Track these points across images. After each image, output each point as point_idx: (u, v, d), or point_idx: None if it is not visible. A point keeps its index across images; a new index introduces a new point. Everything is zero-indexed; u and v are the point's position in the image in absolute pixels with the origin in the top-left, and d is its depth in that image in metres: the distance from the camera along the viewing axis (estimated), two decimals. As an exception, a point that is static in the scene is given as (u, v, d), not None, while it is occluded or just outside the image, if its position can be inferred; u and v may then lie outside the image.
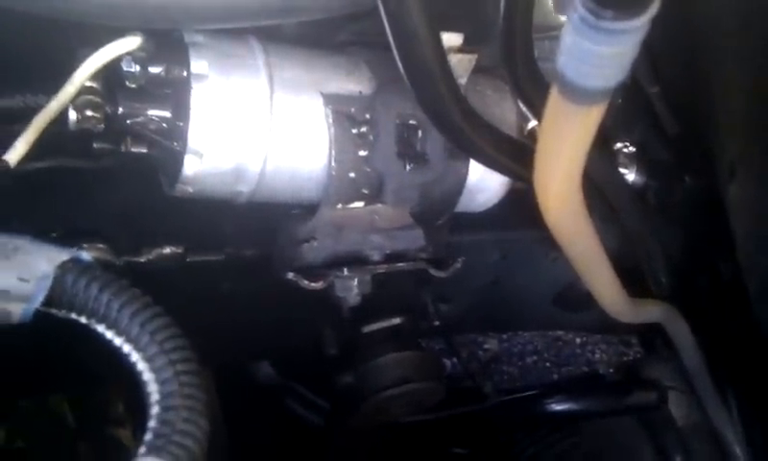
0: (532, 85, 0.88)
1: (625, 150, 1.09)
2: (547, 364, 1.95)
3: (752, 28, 0.82)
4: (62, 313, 0.70)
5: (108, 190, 1.00)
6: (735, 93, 0.87)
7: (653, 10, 0.45)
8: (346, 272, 0.94)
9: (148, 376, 0.64)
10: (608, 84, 0.51)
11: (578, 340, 1.94)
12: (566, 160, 0.60)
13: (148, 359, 0.64)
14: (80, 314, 0.68)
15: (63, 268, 0.70)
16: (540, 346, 1.96)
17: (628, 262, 1.08)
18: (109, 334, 0.67)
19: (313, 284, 0.93)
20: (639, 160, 1.09)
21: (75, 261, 0.70)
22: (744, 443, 1.18)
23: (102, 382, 1.14)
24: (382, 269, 0.96)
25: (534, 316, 1.43)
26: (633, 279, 1.06)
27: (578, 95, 0.53)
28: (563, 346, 1.96)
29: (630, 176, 1.09)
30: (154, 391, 0.63)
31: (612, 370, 1.89)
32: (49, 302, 0.69)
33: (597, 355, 1.95)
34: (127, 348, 0.66)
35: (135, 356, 0.66)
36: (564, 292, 1.32)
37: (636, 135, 1.11)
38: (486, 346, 1.94)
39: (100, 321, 0.67)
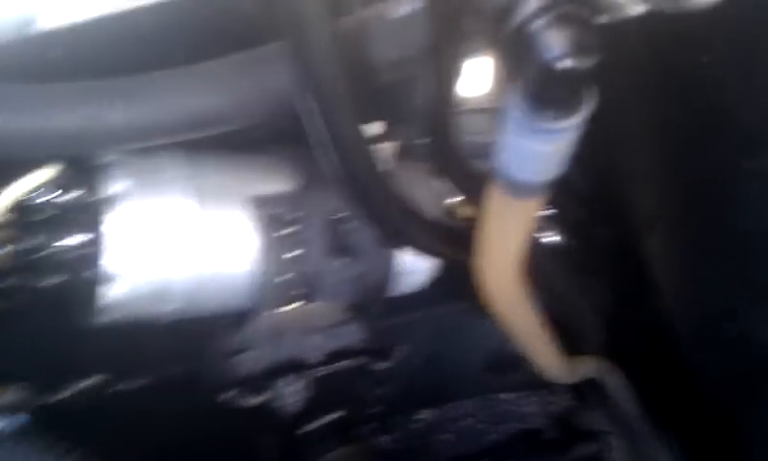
0: (456, 165, 0.89)
1: (542, 213, 1.13)
2: (482, 425, 1.95)
3: (657, 85, 0.87)
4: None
5: (24, 327, 0.93)
6: (647, 150, 0.91)
7: (589, 106, 0.47)
8: (285, 380, 0.91)
9: None
10: (547, 178, 0.52)
11: (508, 396, 1.95)
12: (510, 251, 0.61)
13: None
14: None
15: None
16: (471, 407, 1.96)
17: (560, 317, 1.10)
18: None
19: (253, 400, 0.90)
20: (557, 222, 1.13)
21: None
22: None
23: None
24: (323, 371, 0.93)
25: (469, 385, 1.43)
26: (566, 333, 1.09)
27: (519, 190, 0.54)
28: (494, 404, 1.97)
29: (550, 236, 1.12)
30: None
31: (545, 420, 1.91)
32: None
33: (529, 408, 1.96)
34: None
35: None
36: (495, 356, 1.33)
37: (549, 197, 1.15)
38: (419, 416, 1.92)
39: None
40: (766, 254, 0.71)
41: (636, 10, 0.49)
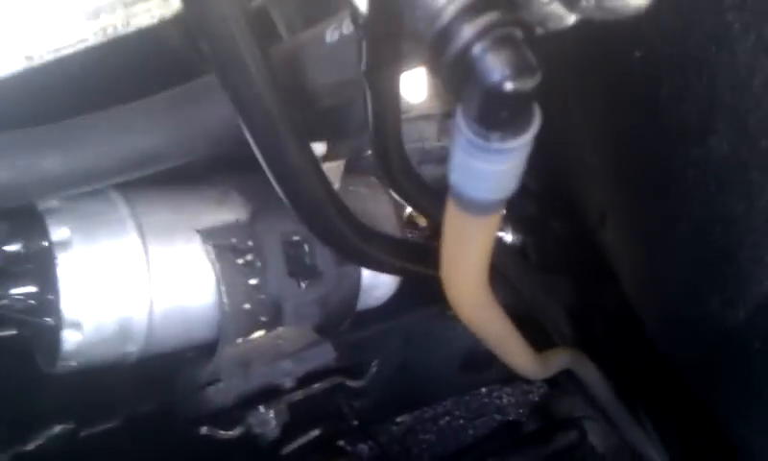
0: (405, 178, 0.89)
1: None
2: (461, 421, 1.96)
3: (596, 82, 0.88)
4: None
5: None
6: (593, 146, 0.92)
7: (537, 123, 0.47)
8: (261, 409, 0.90)
9: None
10: (502, 196, 0.52)
11: (483, 390, 1.97)
12: (473, 265, 0.61)
13: None
14: None
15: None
16: (449, 405, 1.97)
17: (527, 314, 1.11)
18: None
19: (229, 433, 0.88)
20: (512, 220, 1.13)
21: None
22: (665, 454, 1.23)
23: None
24: (298, 396, 0.92)
25: (445, 386, 1.43)
26: (535, 329, 1.10)
27: (474, 208, 0.54)
28: (470, 399, 1.98)
29: (507, 237, 1.13)
30: None
31: (521, 410, 1.93)
32: None
33: (505, 400, 1.98)
34: None
35: None
36: (469, 356, 1.33)
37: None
38: (398, 419, 1.92)
39: None
40: (719, 239, 0.72)
41: (569, 21, 0.49)
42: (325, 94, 0.71)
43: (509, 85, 0.43)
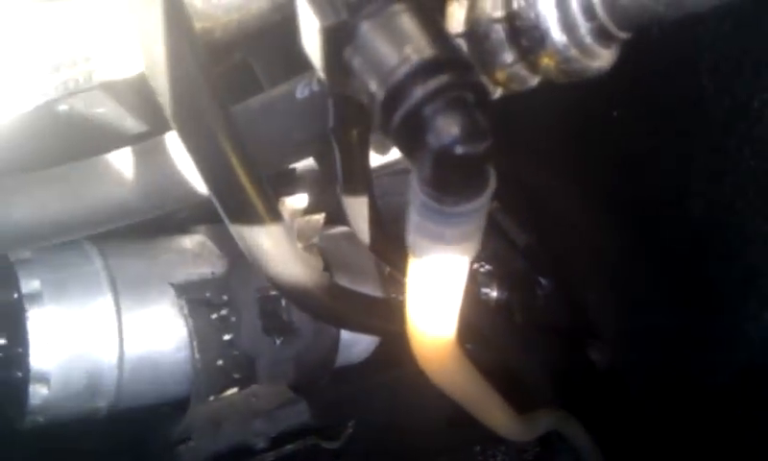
0: (377, 235, 0.87)
1: (482, 269, 1.12)
2: (454, 481, 1.91)
3: (577, 140, 0.87)
4: None
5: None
6: (578, 206, 0.91)
7: (491, 188, 0.46)
8: (231, 469, 0.87)
9: None
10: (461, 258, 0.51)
11: (477, 448, 1.92)
12: (437, 325, 0.59)
13: None
14: None
15: None
16: (442, 463, 1.92)
17: (510, 374, 1.09)
18: None
19: (199, 493, 0.86)
20: (497, 277, 1.12)
21: None
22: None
23: None
24: (270, 457, 0.90)
25: (434, 443, 1.39)
26: (518, 389, 1.07)
27: (433, 269, 0.52)
28: (464, 458, 1.93)
29: (492, 294, 1.11)
30: None
31: (516, 471, 1.88)
32: None
33: (499, 458, 1.93)
34: None
35: None
36: (458, 411, 1.30)
37: (487, 251, 1.14)
38: (389, 479, 1.87)
39: None
40: (698, 304, 0.71)
41: (532, 82, 0.49)
42: (297, 150, 0.70)
43: (459, 149, 0.42)
